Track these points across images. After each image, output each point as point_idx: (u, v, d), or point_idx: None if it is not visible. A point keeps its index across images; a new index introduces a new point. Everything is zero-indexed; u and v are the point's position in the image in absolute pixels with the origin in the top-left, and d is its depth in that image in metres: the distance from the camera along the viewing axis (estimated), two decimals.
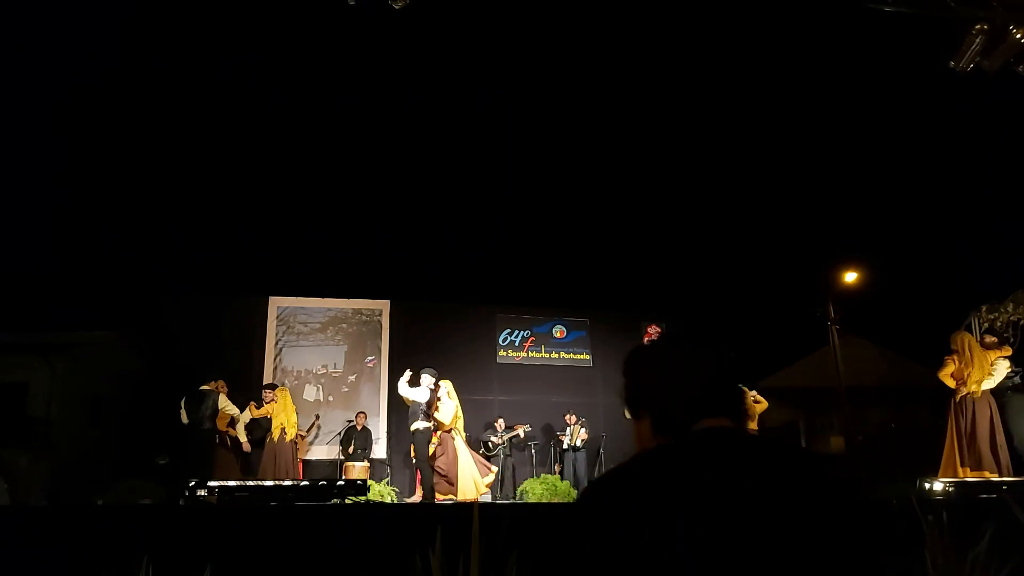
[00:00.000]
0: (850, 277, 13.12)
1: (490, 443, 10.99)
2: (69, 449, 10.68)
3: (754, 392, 8.93)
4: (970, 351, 6.77)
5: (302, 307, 12.03)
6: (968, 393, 6.70)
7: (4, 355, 10.99)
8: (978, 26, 4.97)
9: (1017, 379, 6.90)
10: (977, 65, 5.13)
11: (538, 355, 12.56)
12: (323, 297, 12.22)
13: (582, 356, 12.70)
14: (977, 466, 6.51)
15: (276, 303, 11.95)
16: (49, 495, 9.21)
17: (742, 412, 1.31)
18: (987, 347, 6.87)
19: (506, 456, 10.97)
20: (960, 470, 6.58)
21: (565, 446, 10.90)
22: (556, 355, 12.63)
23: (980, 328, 8.70)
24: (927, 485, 6.02)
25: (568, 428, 10.97)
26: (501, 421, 11.20)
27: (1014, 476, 6.35)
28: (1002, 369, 6.72)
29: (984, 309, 8.70)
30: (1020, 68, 5.13)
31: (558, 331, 12.78)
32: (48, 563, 3.85)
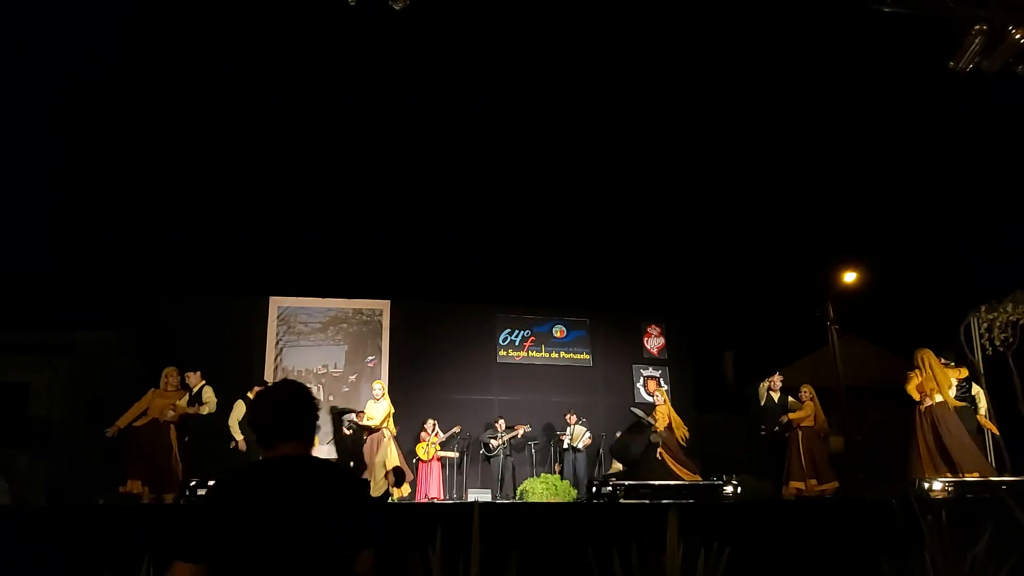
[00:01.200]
0: (850, 277, 13.12)
1: (490, 444, 10.99)
2: (69, 449, 10.68)
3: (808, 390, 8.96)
4: (931, 368, 7.46)
5: (302, 307, 12.04)
6: (933, 404, 7.32)
7: (5, 355, 10.99)
8: (977, 26, 4.97)
9: (961, 393, 7.57)
10: (977, 65, 5.13)
11: (538, 355, 12.57)
12: (323, 297, 12.23)
13: (582, 356, 12.70)
14: (959, 470, 6.93)
15: (276, 303, 11.95)
16: (49, 495, 9.20)
17: (311, 437, 2.04)
18: (945, 366, 7.57)
19: (506, 456, 10.98)
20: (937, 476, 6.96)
21: (565, 446, 10.90)
22: (556, 355, 12.63)
23: (980, 328, 8.72)
24: (927, 485, 6.04)
25: (568, 428, 10.97)
26: (501, 422, 11.20)
27: (1004, 474, 6.57)
28: (955, 384, 7.50)
29: (984, 309, 8.73)
30: (1020, 68, 5.13)
31: (558, 331, 12.78)
32: (48, 563, 3.85)
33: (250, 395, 8.88)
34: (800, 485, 8.31)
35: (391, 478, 8.18)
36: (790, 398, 9.18)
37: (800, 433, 8.59)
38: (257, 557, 1.81)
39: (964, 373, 7.63)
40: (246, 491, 1.90)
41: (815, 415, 8.72)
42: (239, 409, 8.63)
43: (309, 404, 2.04)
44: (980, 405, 7.66)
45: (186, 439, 7.86)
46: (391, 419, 9.46)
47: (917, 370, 7.55)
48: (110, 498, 7.30)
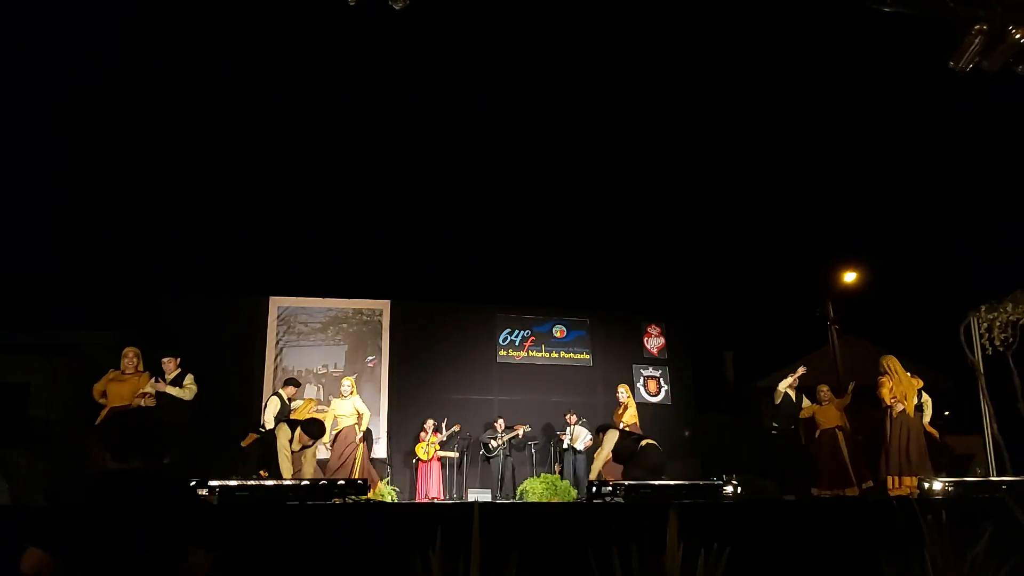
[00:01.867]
0: (850, 277, 13.14)
1: (490, 444, 10.99)
2: (69, 449, 10.68)
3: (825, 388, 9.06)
4: (898, 374, 7.90)
5: (303, 307, 12.04)
6: (904, 409, 7.77)
7: (4, 355, 11.00)
8: (977, 26, 4.97)
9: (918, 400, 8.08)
10: (977, 65, 5.13)
11: (538, 355, 12.57)
12: (323, 297, 12.23)
13: (582, 356, 12.70)
14: (916, 473, 7.50)
15: (276, 303, 11.95)
16: (49, 495, 9.20)
17: (155, 455, 2.48)
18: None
19: (506, 456, 10.98)
20: (899, 479, 7.63)
21: (565, 446, 10.91)
22: (556, 355, 12.63)
23: (979, 328, 8.72)
24: (926, 485, 6.05)
25: (568, 428, 10.97)
26: (501, 421, 11.20)
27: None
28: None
29: (984, 309, 8.72)
30: (1020, 68, 5.13)
31: (558, 331, 12.78)
32: None
33: (283, 392, 8.74)
34: (843, 490, 8.37)
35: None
36: (804, 397, 9.20)
37: (840, 435, 8.64)
38: (96, 552, 2.25)
39: (921, 383, 8.06)
40: (98, 495, 2.39)
41: (841, 415, 8.79)
42: (274, 405, 8.51)
43: (157, 428, 2.58)
44: (927, 413, 8.12)
45: None
46: (362, 418, 9.15)
47: (886, 375, 7.95)
48: None
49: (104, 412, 7.38)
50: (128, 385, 7.48)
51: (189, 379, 7.81)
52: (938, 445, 8.24)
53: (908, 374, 8.02)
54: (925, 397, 8.19)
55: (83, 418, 11.32)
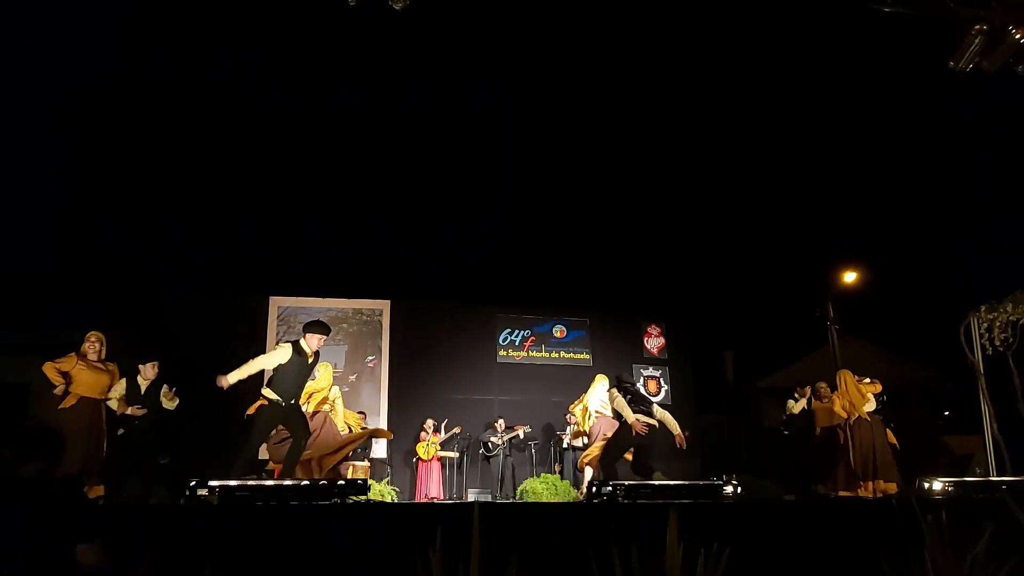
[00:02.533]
0: (850, 277, 13.16)
1: (490, 443, 11.00)
2: None
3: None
4: (847, 386, 8.14)
5: (303, 307, 12.04)
6: (857, 417, 7.99)
7: (5, 355, 11.00)
8: (977, 26, 4.98)
9: (879, 405, 8.28)
10: (977, 65, 5.13)
11: (538, 355, 12.57)
12: (323, 297, 12.24)
13: (582, 356, 12.70)
14: (882, 477, 7.74)
15: (276, 303, 11.96)
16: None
17: (52, 462, 3.17)
18: (859, 382, 8.28)
19: (506, 456, 10.98)
20: (863, 484, 7.78)
21: (565, 445, 10.91)
22: (556, 355, 12.64)
23: (979, 328, 8.72)
24: (926, 485, 6.05)
25: (568, 427, 10.97)
26: (501, 421, 11.20)
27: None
28: (873, 398, 8.17)
29: (984, 309, 8.73)
30: (1019, 68, 5.13)
31: (558, 331, 12.78)
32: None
33: (304, 341, 8.13)
34: (846, 488, 8.42)
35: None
36: (814, 400, 9.29)
37: (840, 433, 8.67)
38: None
39: (878, 388, 8.23)
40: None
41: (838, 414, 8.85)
42: (282, 355, 8.02)
43: (57, 439, 2.74)
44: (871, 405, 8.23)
45: (120, 432, 6.99)
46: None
47: (836, 392, 8.22)
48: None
49: (73, 400, 6.72)
50: (98, 377, 7.02)
51: (164, 391, 7.43)
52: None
53: (860, 383, 8.20)
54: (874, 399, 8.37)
55: None
